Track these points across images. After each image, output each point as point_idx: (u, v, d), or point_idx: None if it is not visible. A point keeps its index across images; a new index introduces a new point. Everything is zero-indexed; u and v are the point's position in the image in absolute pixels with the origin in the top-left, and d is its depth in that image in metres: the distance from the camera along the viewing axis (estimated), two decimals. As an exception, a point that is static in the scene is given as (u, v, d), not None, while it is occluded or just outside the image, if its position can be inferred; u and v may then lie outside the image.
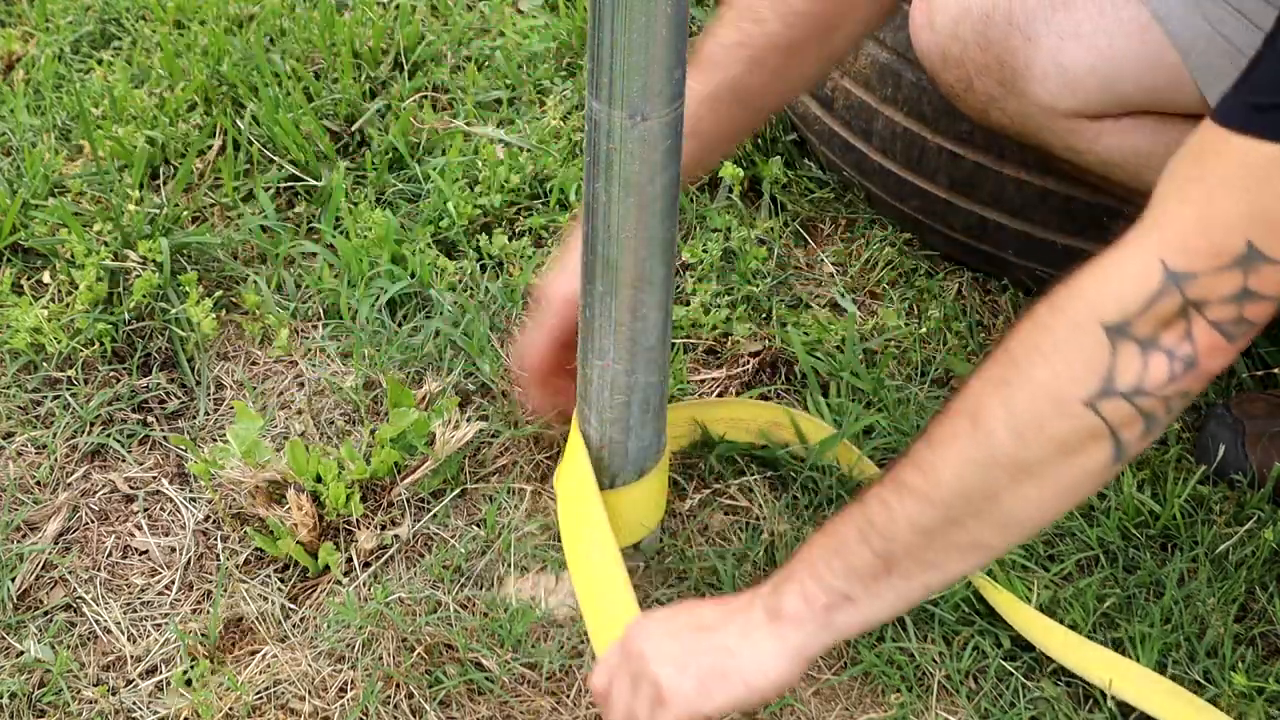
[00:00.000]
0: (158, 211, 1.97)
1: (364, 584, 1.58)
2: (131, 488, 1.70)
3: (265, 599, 1.57)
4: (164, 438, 1.75)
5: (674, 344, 1.81)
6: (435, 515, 1.65)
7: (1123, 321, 1.07)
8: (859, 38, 1.56)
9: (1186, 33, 1.40)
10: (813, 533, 1.23)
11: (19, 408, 1.76)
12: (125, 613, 1.57)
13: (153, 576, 1.61)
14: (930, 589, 1.20)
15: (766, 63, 1.47)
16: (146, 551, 1.63)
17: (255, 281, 1.92)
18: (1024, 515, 1.14)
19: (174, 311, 1.85)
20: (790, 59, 1.47)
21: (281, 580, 1.60)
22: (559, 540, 1.61)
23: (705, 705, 1.18)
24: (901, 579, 1.17)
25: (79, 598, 1.58)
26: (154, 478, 1.70)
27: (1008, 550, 1.50)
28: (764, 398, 1.80)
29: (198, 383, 1.81)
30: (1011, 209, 1.87)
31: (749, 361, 1.86)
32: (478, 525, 1.64)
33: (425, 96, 2.24)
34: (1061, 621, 1.57)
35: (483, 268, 1.96)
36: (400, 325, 1.87)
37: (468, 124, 2.18)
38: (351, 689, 1.48)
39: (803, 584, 1.18)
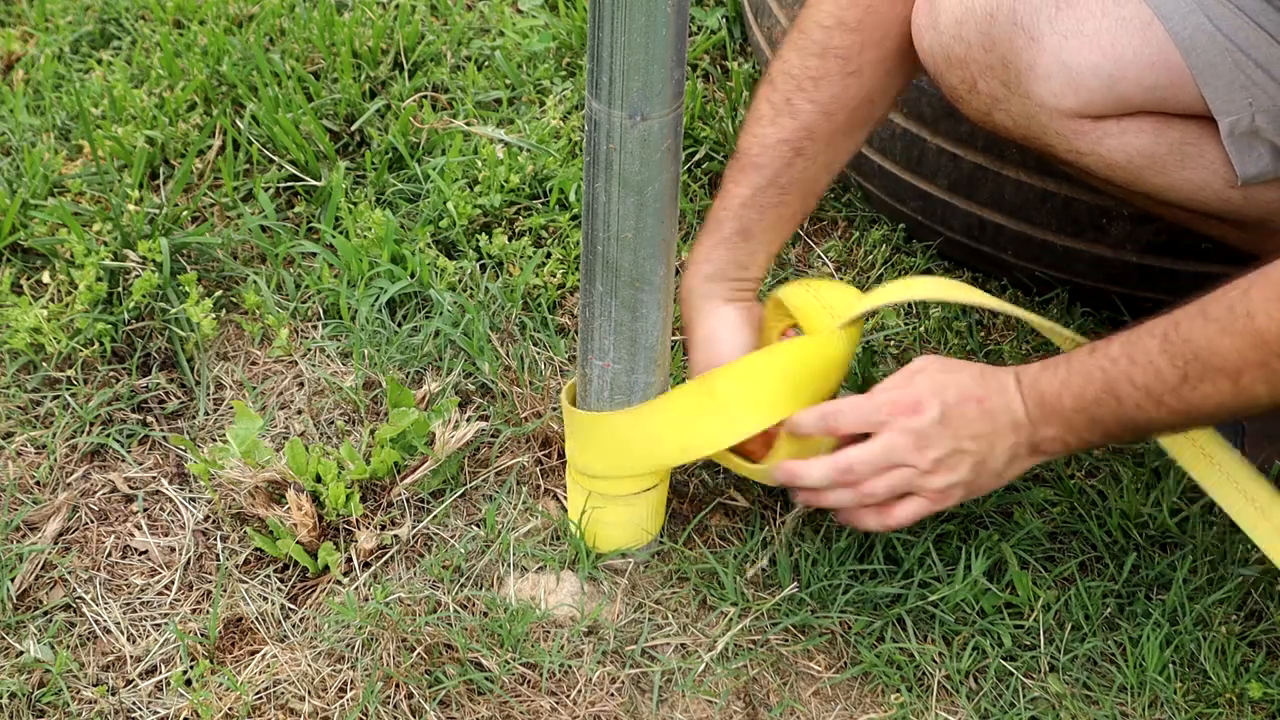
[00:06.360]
0: (157, 211, 1.97)
1: (364, 584, 1.58)
2: (131, 488, 1.70)
3: (265, 599, 1.57)
4: (164, 438, 1.75)
5: (674, 344, 1.81)
6: (435, 515, 1.65)
7: None
8: (892, 107, 1.67)
9: (1187, 30, 1.41)
10: (1074, 376, 1.39)
11: (19, 408, 1.76)
12: (125, 613, 1.57)
13: (152, 576, 1.61)
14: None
15: (807, 152, 1.56)
16: (146, 551, 1.63)
17: (255, 281, 1.92)
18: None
19: (174, 311, 1.85)
20: (831, 144, 1.57)
21: (281, 580, 1.60)
22: (558, 540, 1.62)
23: (949, 499, 1.47)
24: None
25: (79, 598, 1.58)
26: (154, 478, 1.70)
27: None
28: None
29: (197, 383, 1.81)
30: (1010, 210, 1.87)
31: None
32: (478, 525, 1.64)
33: (425, 96, 2.24)
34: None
35: (482, 268, 1.96)
36: (400, 325, 1.87)
37: (468, 124, 2.17)
38: (351, 689, 1.48)
39: (1065, 438, 1.42)
